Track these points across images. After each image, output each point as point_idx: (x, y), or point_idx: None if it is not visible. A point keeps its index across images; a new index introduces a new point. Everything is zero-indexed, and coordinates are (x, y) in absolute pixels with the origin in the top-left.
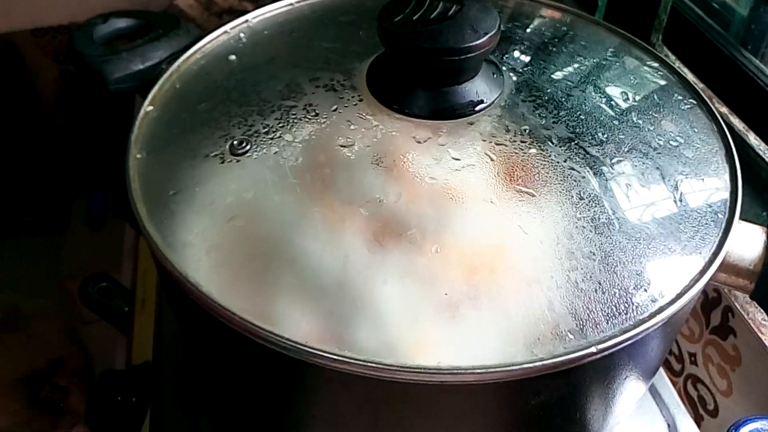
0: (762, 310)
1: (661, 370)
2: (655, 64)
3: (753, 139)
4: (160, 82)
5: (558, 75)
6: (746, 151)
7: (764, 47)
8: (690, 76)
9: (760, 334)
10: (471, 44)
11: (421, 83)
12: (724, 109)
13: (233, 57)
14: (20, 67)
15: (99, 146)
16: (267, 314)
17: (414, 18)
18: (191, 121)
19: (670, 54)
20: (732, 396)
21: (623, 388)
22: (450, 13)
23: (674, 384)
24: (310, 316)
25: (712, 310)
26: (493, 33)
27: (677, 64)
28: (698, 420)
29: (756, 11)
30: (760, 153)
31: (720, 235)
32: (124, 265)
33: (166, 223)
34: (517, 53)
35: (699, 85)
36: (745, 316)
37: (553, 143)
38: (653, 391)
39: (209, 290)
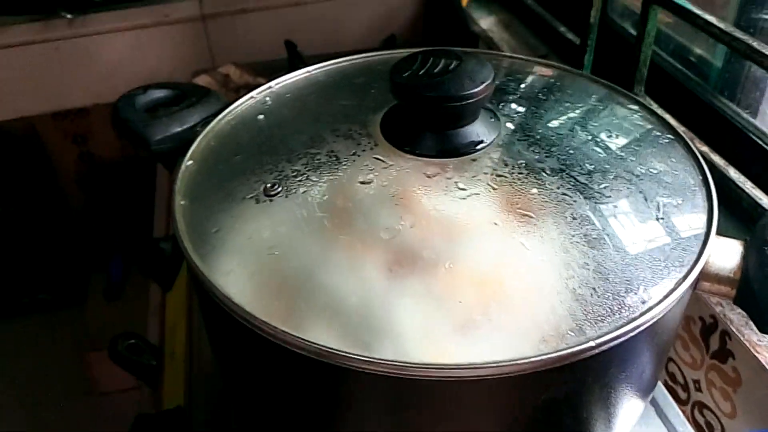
0: (757, 332)
1: (665, 391)
2: (636, 107)
3: (733, 173)
4: (197, 141)
5: (548, 119)
6: (727, 184)
7: (739, 93)
8: (672, 122)
9: (756, 354)
10: (470, 92)
11: (429, 127)
12: (705, 148)
13: (261, 116)
14: (40, 149)
15: (119, 218)
16: (298, 331)
17: (420, 73)
18: (227, 171)
19: (653, 102)
20: (737, 417)
21: (623, 393)
22: (451, 67)
23: (682, 413)
24: (336, 337)
25: (710, 335)
26: (488, 82)
27: (660, 111)
28: None
29: (730, 62)
30: (740, 185)
31: (699, 246)
32: (149, 324)
33: (210, 256)
34: (511, 103)
35: (680, 128)
36: (741, 338)
37: (546, 173)
38: (659, 413)
39: (252, 309)
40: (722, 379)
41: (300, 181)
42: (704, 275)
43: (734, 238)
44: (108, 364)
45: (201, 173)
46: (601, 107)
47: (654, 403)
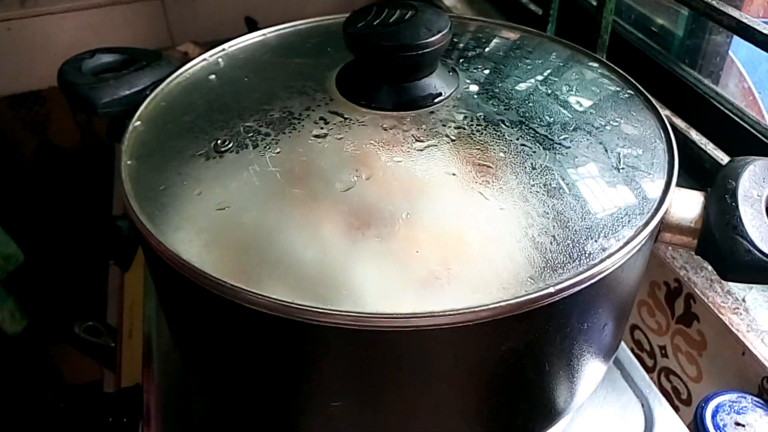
0: (721, 293)
1: (631, 355)
2: (596, 65)
3: (695, 135)
4: (146, 102)
5: (509, 75)
6: (689, 146)
7: (701, 60)
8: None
9: (720, 316)
10: (426, 41)
11: (385, 80)
12: (667, 112)
13: (213, 77)
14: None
15: (77, 202)
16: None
17: (375, 23)
18: (176, 129)
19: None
20: (702, 381)
21: (586, 343)
22: (406, 17)
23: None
24: (291, 294)
25: (675, 299)
26: (445, 32)
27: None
28: (674, 410)
29: (691, 31)
30: (702, 146)
31: (660, 195)
32: (109, 306)
33: (158, 215)
34: (471, 59)
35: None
36: (706, 300)
37: (506, 125)
38: (625, 375)
39: (201, 265)
40: (688, 343)
41: (252, 137)
42: (665, 226)
43: None
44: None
45: (149, 134)
46: (562, 65)
47: (620, 366)
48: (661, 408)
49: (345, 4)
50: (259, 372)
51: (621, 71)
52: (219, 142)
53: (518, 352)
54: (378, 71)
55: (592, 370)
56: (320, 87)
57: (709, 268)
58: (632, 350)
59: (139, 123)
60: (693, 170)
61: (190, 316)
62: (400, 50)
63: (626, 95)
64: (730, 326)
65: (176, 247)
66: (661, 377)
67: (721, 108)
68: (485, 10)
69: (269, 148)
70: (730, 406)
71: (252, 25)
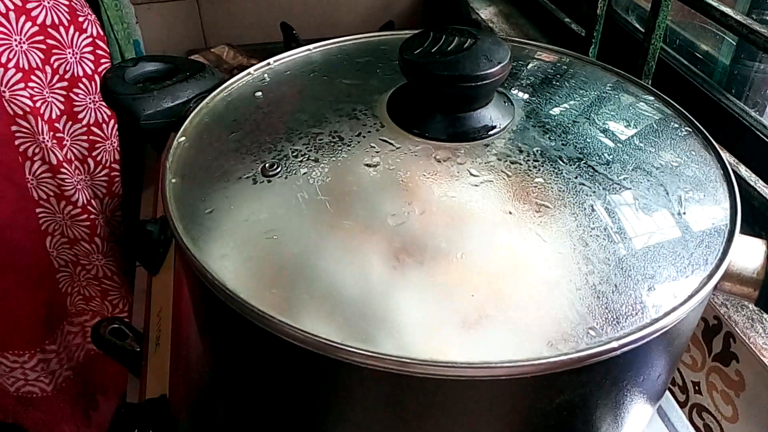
0: (762, 335)
1: (670, 396)
2: (651, 98)
3: (744, 171)
4: (190, 117)
5: (562, 106)
6: (738, 182)
7: (747, 91)
8: None
9: (762, 358)
10: (486, 72)
11: (440, 109)
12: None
13: (259, 93)
14: None
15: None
16: (294, 320)
17: (432, 50)
18: (222, 149)
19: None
20: (738, 422)
21: (638, 393)
22: (465, 45)
23: None
24: (335, 328)
25: (713, 337)
26: (505, 62)
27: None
28: None
29: (737, 60)
30: (752, 183)
31: (723, 243)
32: (135, 309)
33: (202, 239)
34: (523, 88)
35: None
36: (746, 341)
37: (563, 162)
38: (664, 418)
39: (246, 297)
40: (724, 382)
41: (301, 161)
42: (726, 275)
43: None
44: None
45: (194, 151)
46: (616, 96)
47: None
48: None
49: (377, 13)
50: (293, 406)
51: (678, 106)
52: (267, 165)
53: (572, 405)
54: (433, 100)
55: (640, 416)
56: (370, 111)
57: (751, 306)
58: None
59: (183, 139)
60: (742, 208)
61: (230, 345)
62: (459, 80)
63: (684, 132)
64: None
65: (221, 275)
66: (693, 414)
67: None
68: (521, 24)
69: (319, 174)
70: None
71: (287, 31)
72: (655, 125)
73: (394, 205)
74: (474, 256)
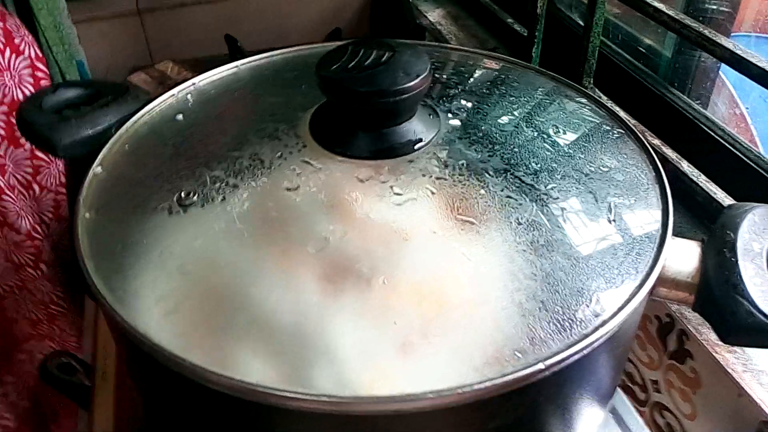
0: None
1: (625, 398)
2: (585, 101)
3: (686, 166)
4: (108, 145)
5: (493, 115)
6: (681, 179)
7: (690, 83)
8: (622, 114)
9: (715, 354)
10: (404, 86)
11: (361, 126)
12: (657, 141)
13: (180, 116)
14: None
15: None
16: (221, 361)
17: (350, 66)
18: (139, 177)
19: (602, 95)
20: (697, 419)
21: (580, 408)
22: (383, 59)
23: (642, 414)
24: (264, 361)
25: (667, 334)
26: (424, 75)
27: (609, 104)
28: None
29: (680, 53)
30: (694, 179)
31: (655, 249)
32: (84, 342)
33: (115, 277)
34: (453, 98)
35: (631, 121)
36: (699, 338)
37: (489, 174)
38: (619, 420)
39: (159, 340)
40: (681, 380)
41: (219, 188)
42: (661, 280)
43: (690, 237)
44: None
45: (110, 181)
46: (548, 101)
47: (612, 409)
48: None
49: (327, 20)
50: None
51: (610, 107)
52: (183, 194)
53: (507, 429)
54: (353, 117)
55: (587, 424)
56: (293, 131)
57: None
58: (623, 383)
59: (99, 169)
60: (686, 204)
61: (153, 391)
62: (377, 96)
63: (616, 134)
64: (725, 366)
65: (133, 318)
66: (654, 413)
67: (713, 135)
68: (470, 26)
69: (237, 201)
70: None
71: (232, 43)
72: (586, 130)
73: (316, 230)
74: (398, 280)
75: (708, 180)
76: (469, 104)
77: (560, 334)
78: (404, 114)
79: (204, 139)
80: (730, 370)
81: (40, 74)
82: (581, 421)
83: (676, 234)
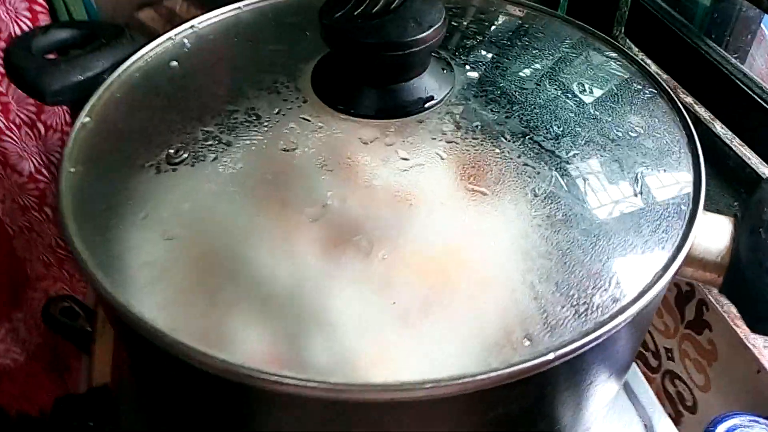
0: None
1: (637, 369)
2: (614, 55)
3: (719, 128)
4: (98, 92)
5: (512, 70)
6: (713, 141)
7: (728, 35)
8: (653, 68)
9: (735, 327)
10: (415, 38)
11: (367, 81)
12: (689, 99)
13: (175, 63)
14: None
15: None
16: (212, 333)
17: (356, 13)
18: (128, 130)
19: (633, 46)
20: (710, 391)
21: (590, 393)
22: (393, 6)
23: (652, 380)
24: (259, 333)
25: (686, 304)
26: (438, 26)
27: (640, 56)
28: (678, 416)
29: (719, 0)
30: (727, 141)
31: (684, 227)
32: (89, 287)
33: (98, 240)
34: (470, 49)
35: (663, 76)
36: (720, 309)
37: (506, 139)
38: (629, 391)
39: (141, 311)
40: (697, 350)
41: (211, 145)
42: (687, 260)
43: (718, 201)
44: None
45: (99, 133)
46: (574, 55)
47: (624, 383)
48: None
49: None
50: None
51: (642, 62)
52: (173, 151)
53: (512, 416)
54: (358, 71)
55: (597, 409)
56: (293, 84)
57: None
58: None
59: (88, 119)
60: (717, 168)
61: (142, 366)
62: (384, 49)
63: (647, 94)
64: (745, 340)
65: (114, 285)
66: (665, 380)
67: (750, 92)
68: None
69: (230, 161)
70: (741, 431)
71: None
72: (615, 89)
73: (312, 196)
74: (399, 254)
75: (742, 144)
76: (488, 57)
77: (574, 320)
78: (415, 69)
79: (198, 89)
80: (750, 345)
81: (38, 8)
82: (591, 405)
83: (708, 210)
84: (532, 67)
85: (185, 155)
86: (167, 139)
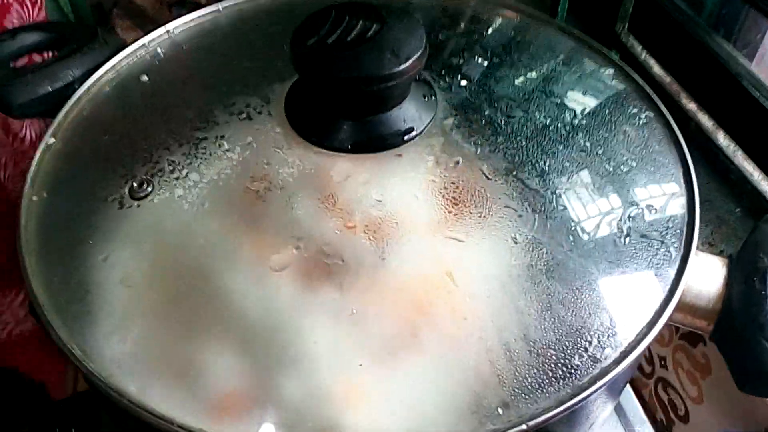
0: None
1: (628, 387)
2: (611, 71)
3: (722, 139)
4: (66, 108)
5: (500, 92)
6: (714, 152)
7: (737, 32)
8: (656, 69)
9: None
10: (392, 71)
11: (342, 112)
12: (692, 106)
13: (145, 78)
14: None
15: None
16: (173, 385)
17: (329, 41)
18: (94, 155)
19: (636, 44)
20: (703, 404)
21: None
22: (369, 34)
23: (645, 386)
24: (225, 378)
25: None
26: (417, 57)
27: (643, 56)
28: (669, 425)
29: None
30: (729, 155)
31: (673, 278)
32: None
33: (57, 281)
34: (456, 69)
35: (666, 79)
36: None
37: (488, 176)
38: (617, 408)
39: (97, 367)
40: (691, 362)
41: (177, 179)
42: (676, 306)
43: (719, 207)
44: None
45: (65, 156)
46: (566, 72)
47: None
48: None
49: None
50: None
51: (641, 82)
52: (136, 185)
53: None
54: (333, 102)
55: None
56: (266, 108)
57: None
58: None
59: (53, 140)
60: (717, 180)
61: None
62: (359, 83)
63: (643, 119)
64: None
65: (70, 337)
66: (658, 387)
67: (756, 98)
68: None
69: (196, 198)
70: None
71: None
72: (608, 114)
73: (279, 245)
74: (364, 314)
75: (745, 157)
76: (475, 77)
77: (551, 385)
78: (393, 99)
79: (168, 110)
80: None
81: None
82: None
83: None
84: (522, 89)
85: (149, 189)
86: (132, 169)
